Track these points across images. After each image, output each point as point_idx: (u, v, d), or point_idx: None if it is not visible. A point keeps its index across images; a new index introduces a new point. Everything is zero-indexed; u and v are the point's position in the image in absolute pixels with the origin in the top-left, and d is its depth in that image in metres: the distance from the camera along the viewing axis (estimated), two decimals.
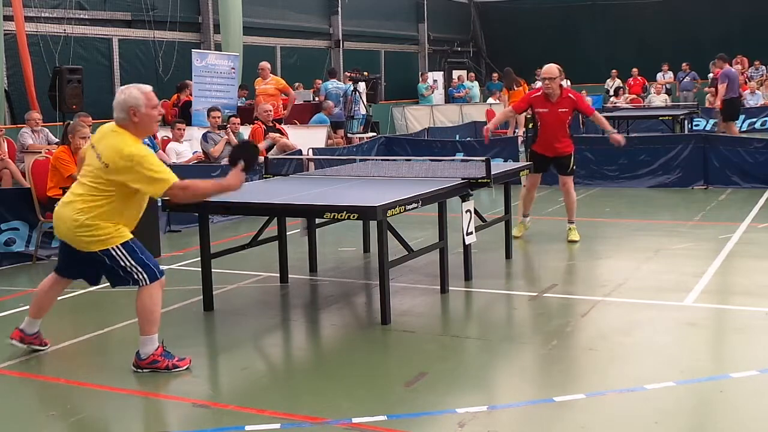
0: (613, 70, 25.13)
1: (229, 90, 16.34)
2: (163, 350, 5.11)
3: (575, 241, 8.58)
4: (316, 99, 18.83)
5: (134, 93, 4.97)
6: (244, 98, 17.86)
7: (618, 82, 24.83)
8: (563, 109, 8.40)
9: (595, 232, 9.46)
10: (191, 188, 4.99)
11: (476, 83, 26.20)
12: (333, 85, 18.00)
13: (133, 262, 5.04)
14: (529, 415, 4.30)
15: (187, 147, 11.96)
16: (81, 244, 4.99)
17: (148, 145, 10.65)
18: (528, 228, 9.02)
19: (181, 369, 5.08)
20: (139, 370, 5.06)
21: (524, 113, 9.90)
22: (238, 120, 12.67)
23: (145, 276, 5.07)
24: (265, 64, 15.41)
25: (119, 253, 5.00)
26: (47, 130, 12.33)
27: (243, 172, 5.12)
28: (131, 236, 5.10)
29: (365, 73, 18.59)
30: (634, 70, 24.67)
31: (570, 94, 8.49)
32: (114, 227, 5.00)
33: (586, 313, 6.07)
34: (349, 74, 19.35)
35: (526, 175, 8.56)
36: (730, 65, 15.35)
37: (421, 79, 25.51)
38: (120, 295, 7.12)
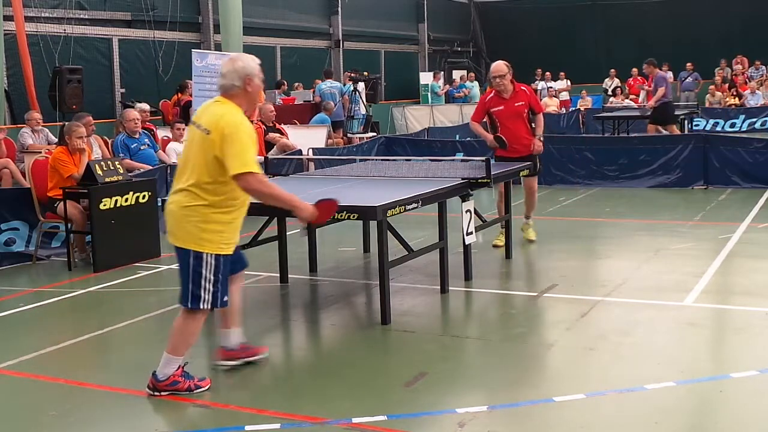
0: (612, 70, 25.15)
1: None
2: (182, 371, 4.70)
3: (532, 241, 8.55)
4: (316, 99, 18.84)
5: (250, 62, 4.59)
6: None
7: (617, 81, 24.84)
8: (519, 103, 8.25)
9: (595, 232, 9.47)
10: (268, 186, 4.58)
11: (476, 83, 26.20)
12: (327, 85, 18.04)
13: (207, 277, 4.55)
14: (529, 415, 4.30)
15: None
16: (180, 237, 4.56)
17: (148, 144, 10.65)
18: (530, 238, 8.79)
19: (202, 389, 4.71)
20: (156, 394, 4.64)
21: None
22: None
23: (206, 298, 4.57)
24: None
25: (202, 261, 4.53)
26: (47, 130, 12.33)
27: (317, 215, 4.86)
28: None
29: (365, 73, 18.59)
30: (634, 70, 24.66)
31: (524, 88, 8.38)
32: (227, 226, 4.57)
33: (586, 313, 6.07)
34: (349, 74, 19.36)
35: (524, 176, 8.52)
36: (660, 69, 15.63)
37: (434, 78, 25.50)
38: (120, 295, 7.13)
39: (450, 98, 25.30)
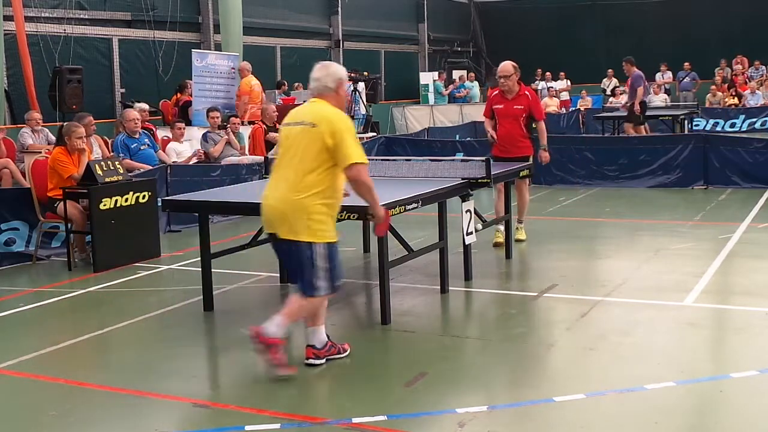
0: (609, 70, 25.15)
1: (229, 90, 16.33)
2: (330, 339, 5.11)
3: (521, 240, 8.59)
4: None
5: (340, 68, 5.01)
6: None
7: (615, 81, 24.83)
8: (518, 106, 8.36)
9: (595, 232, 9.47)
10: (370, 179, 4.85)
11: (476, 83, 26.20)
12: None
13: (325, 265, 4.79)
14: (529, 415, 4.30)
15: (187, 147, 11.96)
16: (297, 231, 4.71)
17: (147, 144, 10.65)
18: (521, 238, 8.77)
19: (347, 352, 5.16)
20: (318, 361, 4.99)
21: None
22: (238, 120, 12.66)
23: (325, 285, 4.82)
24: (244, 64, 15.49)
25: (319, 251, 4.76)
26: (47, 130, 12.33)
27: (385, 219, 5.14)
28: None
29: (365, 73, 18.59)
30: None
31: (527, 92, 8.46)
32: (331, 217, 4.82)
33: (586, 313, 6.07)
34: (349, 74, 19.35)
35: (525, 175, 8.53)
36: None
37: (438, 78, 25.50)
38: (120, 295, 7.13)
39: (451, 98, 25.30)
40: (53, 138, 12.07)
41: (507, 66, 8.44)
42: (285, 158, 4.81)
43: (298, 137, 4.76)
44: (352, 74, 18.73)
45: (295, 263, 4.82)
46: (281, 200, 4.73)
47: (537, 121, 8.44)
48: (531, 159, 8.43)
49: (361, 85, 17.96)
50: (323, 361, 5.04)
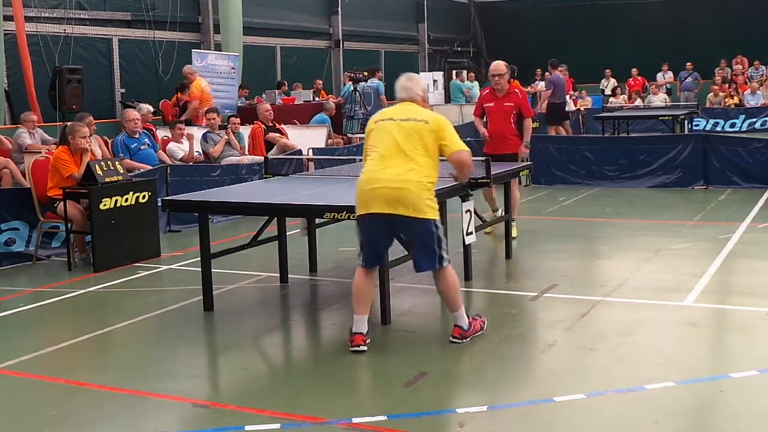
0: (607, 70, 25.14)
1: (229, 90, 16.36)
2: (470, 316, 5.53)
3: (513, 238, 8.49)
4: (316, 99, 18.83)
5: (423, 79, 5.82)
6: (244, 98, 17.87)
7: (613, 81, 24.82)
8: (508, 103, 8.67)
9: (595, 232, 9.47)
10: (471, 162, 5.71)
11: (476, 83, 26.19)
12: (366, 84, 18.12)
13: (443, 238, 5.37)
14: (529, 415, 4.30)
15: (187, 147, 11.95)
16: (421, 209, 5.20)
17: (148, 144, 10.65)
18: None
19: (486, 324, 5.63)
20: (464, 340, 5.39)
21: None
22: (238, 120, 12.66)
23: (447, 255, 5.39)
24: (188, 68, 15.40)
25: (439, 225, 5.31)
26: (41, 130, 12.34)
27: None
28: None
29: (365, 73, 18.58)
30: (634, 70, 24.67)
31: (516, 90, 8.77)
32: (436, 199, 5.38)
33: (586, 313, 6.07)
34: (349, 74, 19.36)
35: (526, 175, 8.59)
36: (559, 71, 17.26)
37: (457, 78, 25.48)
38: (120, 295, 7.13)
39: (456, 91, 25.26)
40: (48, 137, 12.07)
41: (500, 65, 8.74)
42: (394, 148, 5.29)
43: (404, 130, 5.32)
44: (352, 74, 18.75)
45: (418, 240, 5.32)
46: (406, 184, 5.18)
47: (524, 117, 8.71)
48: (517, 157, 8.59)
49: (362, 85, 17.93)
50: (467, 340, 5.43)
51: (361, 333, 5.34)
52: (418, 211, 5.20)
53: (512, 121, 8.66)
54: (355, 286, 5.43)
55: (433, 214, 5.27)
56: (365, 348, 5.30)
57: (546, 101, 16.55)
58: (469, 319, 5.49)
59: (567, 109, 18.29)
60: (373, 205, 5.25)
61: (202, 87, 14.95)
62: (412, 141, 5.29)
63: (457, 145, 5.43)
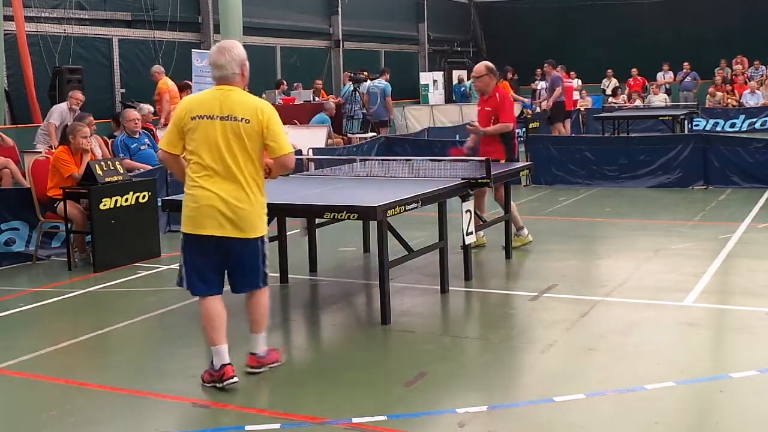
0: (609, 70, 25.12)
1: None
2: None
3: (518, 246, 8.25)
4: (316, 99, 18.83)
5: (241, 48, 4.82)
6: None
7: (614, 81, 24.80)
8: (487, 108, 8.23)
9: (595, 232, 9.47)
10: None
11: (468, 83, 26.15)
12: (373, 84, 18.10)
13: (268, 254, 4.89)
14: (529, 415, 4.30)
15: None
16: (254, 227, 4.73)
17: (148, 144, 10.65)
18: (526, 241, 8.47)
19: (282, 359, 5.16)
20: (260, 370, 4.94)
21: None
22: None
23: (268, 271, 4.95)
24: (156, 68, 15.30)
25: (266, 241, 4.87)
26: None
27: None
28: None
29: (365, 73, 18.58)
30: (634, 70, 24.66)
31: (497, 94, 8.23)
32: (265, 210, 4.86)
33: (586, 313, 6.07)
34: (349, 74, 19.36)
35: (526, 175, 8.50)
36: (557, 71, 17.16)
37: (458, 79, 25.48)
38: (120, 295, 7.13)
39: (457, 94, 25.27)
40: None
41: (478, 67, 8.39)
42: (218, 156, 4.65)
43: (226, 132, 4.64)
44: (352, 74, 18.76)
45: (247, 260, 4.78)
46: (234, 199, 4.65)
47: (500, 122, 8.12)
48: (502, 163, 8.01)
49: (365, 85, 17.95)
50: (265, 369, 4.97)
51: (230, 363, 4.78)
52: (250, 231, 4.71)
53: (493, 125, 8.13)
54: (204, 314, 4.81)
55: (264, 230, 4.80)
56: (237, 379, 4.77)
57: (554, 100, 16.42)
58: (268, 348, 5.03)
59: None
60: (202, 226, 4.67)
61: (169, 84, 14.85)
62: (236, 147, 4.64)
63: (285, 147, 4.72)
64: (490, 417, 4.26)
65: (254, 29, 20.12)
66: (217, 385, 4.72)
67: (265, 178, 4.87)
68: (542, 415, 4.30)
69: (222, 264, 4.81)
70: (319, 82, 20.83)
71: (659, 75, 25.25)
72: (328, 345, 5.80)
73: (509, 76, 21.70)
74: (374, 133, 17.03)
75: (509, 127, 8.15)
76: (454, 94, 25.61)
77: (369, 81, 18.17)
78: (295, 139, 13.26)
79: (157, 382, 4.94)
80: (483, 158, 7.21)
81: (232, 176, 4.65)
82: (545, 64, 17.10)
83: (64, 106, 11.85)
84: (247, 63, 4.83)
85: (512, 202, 8.28)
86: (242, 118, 4.65)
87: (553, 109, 16.53)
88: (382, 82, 18.14)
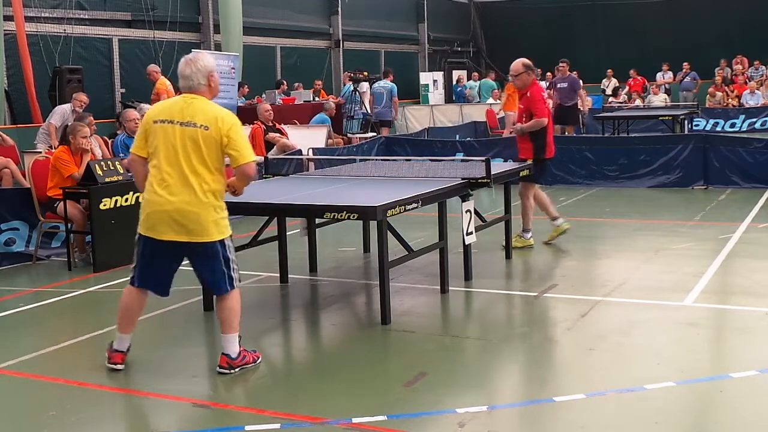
0: (609, 70, 25.13)
1: (229, 90, 16.33)
2: (242, 346, 5.08)
3: (517, 247, 8.20)
4: (316, 99, 18.83)
5: (209, 58, 4.97)
6: (244, 97, 17.86)
7: (614, 81, 24.80)
8: (521, 105, 8.35)
9: (595, 232, 9.47)
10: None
11: (479, 83, 26.17)
12: (379, 84, 18.16)
13: (233, 257, 4.97)
14: (529, 415, 4.30)
15: None
16: (206, 231, 4.81)
17: None
18: (561, 230, 8.49)
19: (259, 361, 5.14)
20: (232, 371, 4.95)
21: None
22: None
23: (238, 276, 5.01)
24: (152, 67, 15.26)
25: (229, 245, 4.94)
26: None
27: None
28: None
29: (365, 74, 18.58)
30: (632, 71, 24.67)
31: (529, 93, 8.26)
32: (226, 212, 4.95)
33: (586, 313, 6.07)
34: (349, 74, 19.36)
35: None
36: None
37: (488, 77, 25.46)
38: (120, 295, 7.12)
39: (459, 97, 25.27)
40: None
41: (515, 65, 8.44)
42: (174, 160, 4.77)
43: (184, 138, 4.75)
44: (352, 74, 18.77)
45: (205, 265, 4.92)
46: (186, 204, 4.77)
47: (533, 118, 8.15)
48: (532, 163, 8.15)
49: (364, 85, 17.96)
50: (236, 371, 4.98)
51: (122, 352, 5.05)
52: (203, 235, 4.80)
53: (524, 123, 8.19)
54: (123, 303, 5.07)
55: (220, 234, 4.85)
56: (122, 367, 5.02)
57: (576, 102, 16.25)
58: (240, 348, 5.03)
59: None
60: (156, 230, 4.85)
61: (167, 84, 14.83)
62: (193, 152, 4.73)
63: (246, 156, 4.78)
64: (490, 417, 4.26)
65: (254, 29, 20.12)
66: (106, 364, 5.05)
67: (234, 195, 5.05)
68: (542, 415, 4.30)
69: (173, 267, 5.03)
70: (319, 82, 20.83)
71: (659, 75, 25.26)
72: (328, 345, 5.80)
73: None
74: (374, 133, 17.03)
75: (543, 122, 8.19)
76: (454, 95, 25.60)
77: (367, 82, 18.19)
78: (295, 139, 13.29)
79: (157, 382, 4.94)
80: (483, 158, 7.21)
81: (186, 181, 4.76)
82: (561, 63, 16.68)
83: (66, 107, 11.87)
84: (216, 74, 4.97)
85: (529, 202, 8.33)
86: (201, 125, 4.75)
87: (571, 110, 16.19)
88: (387, 83, 18.20)
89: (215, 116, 4.76)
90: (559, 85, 16.50)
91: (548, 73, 25.54)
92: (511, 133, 8.50)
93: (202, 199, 4.76)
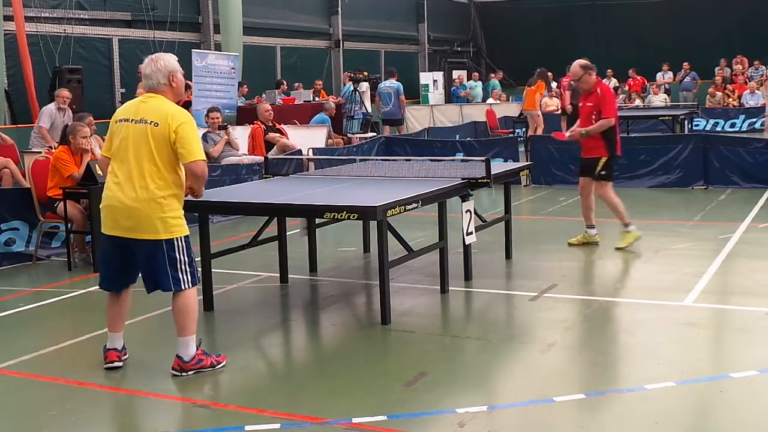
0: (609, 70, 25.13)
1: (229, 90, 16.35)
2: (202, 349, 5.06)
3: (619, 248, 8.13)
4: (316, 99, 18.82)
5: (170, 59, 5.02)
6: (243, 97, 17.87)
7: (614, 81, 24.80)
8: (589, 103, 8.22)
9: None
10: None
11: (480, 83, 26.18)
12: (385, 84, 18.34)
13: (185, 258, 4.91)
14: (529, 415, 4.30)
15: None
16: (149, 229, 4.80)
17: None
18: (590, 240, 8.46)
19: (222, 364, 5.08)
20: (184, 374, 4.94)
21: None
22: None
23: (190, 278, 4.96)
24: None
25: (180, 246, 4.89)
26: (70, 111, 12.24)
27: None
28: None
29: (365, 73, 18.59)
30: (631, 71, 24.67)
31: (598, 89, 8.19)
32: (181, 212, 4.92)
33: (586, 313, 6.07)
34: (349, 74, 19.37)
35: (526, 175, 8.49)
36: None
37: (495, 77, 25.46)
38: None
39: (454, 97, 25.28)
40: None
41: (574, 69, 8.32)
42: (124, 157, 4.83)
43: (137, 135, 4.81)
44: (352, 74, 18.77)
45: (147, 262, 4.88)
46: (132, 201, 4.79)
47: (602, 118, 8.07)
48: (603, 161, 8.12)
49: (364, 85, 17.97)
50: (190, 374, 4.96)
51: (115, 349, 5.13)
52: (147, 232, 4.79)
53: (593, 122, 8.10)
54: (107, 309, 5.16)
55: (167, 233, 4.81)
56: (120, 364, 5.11)
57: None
58: (198, 351, 5.00)
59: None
60: (105, 225, 4.91)
61: None
62: (143, 149, 4.78)
63: (193, 153, 4.77)
64: (490, 417, 4.26)
65: (254, 29, 20.14)
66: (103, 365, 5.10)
67: (194, 196, 5.08)
68: (542, 415, 4.30)
69: (128, 263, 4.98)
70: (319, 82, 20.83)
71: (659, 75, 25.26)
72: (328, 345, 5.80)
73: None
74: (374, 133, 17.03)
75: (611, 122, 8.12)
76: (452, 96, 25.59)
77: (367, 82, 18.21)
78: (295, 139, 13.30)
79: (157, 382, 4.94)
80: (483, 158, 7.21)
81: (133, 178, 4.80)
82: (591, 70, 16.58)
83: (51, 106, 11.93)
84: (179, 74, 5.00)
85: (613, 200, 8.22)
86: (151, 122, 4.80)
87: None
88: (393, 82, 18.34)
89: (167, 113, 4.79)
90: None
91: (549, 73, 25.55)
92: (569, 137, 8.39)
93: (148, 197, 4.77)
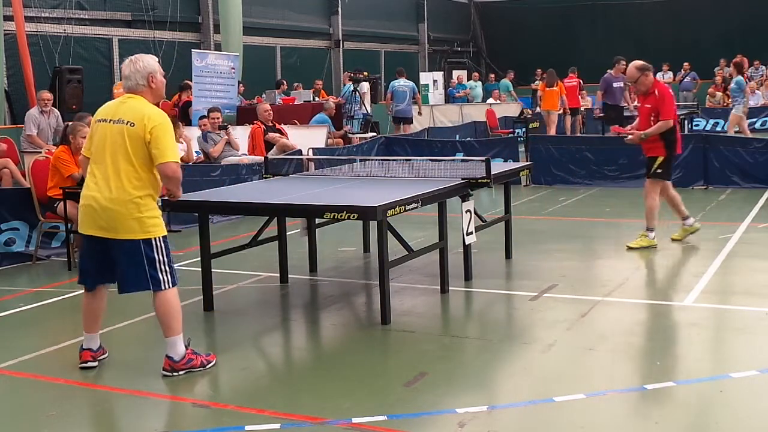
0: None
1: (229, 90, 16.35)
2: (191, 349, 5.06)
3: (639, 248, 8.13)
4: (316, 99, 18.83)
5: (150, 60, 5.09)
6: (241, 96, 17.87)
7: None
8: (647, 105, 8.22)
9: (595, 232, 9.47)
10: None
11: (479, 83, 26.18)
12: (400, 83, 18.42)
13: (163, 258, 4.91)
14: (529, 415, 4.30)
15: (186, 146, 11.95)
16: (126, 229, 4.79)
17: None
18: (692, 230, 8.45)
19: (212, 364, 5.08)
20: (175, 374, 4.93)
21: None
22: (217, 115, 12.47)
23: (170, 278, 4.95)
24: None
25: (158, 245, 4.89)
26: (58, 112, 12.27)
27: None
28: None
29: (365, 74, 18.60)
30: None
31: (656, 91, 8.18)
32: (158, 212, 4.93)
33: (586, 313, 6.07)
34: (349, 74, 19.37)
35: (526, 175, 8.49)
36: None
37: (507, 78, 25.46)
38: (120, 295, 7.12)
39: (451, 98, 25.29)
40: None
41: (630, 71, 8.32)
42: (100, 157, 4.86)
43: (114, 135, 4.83)
44: (352, 74, 18.77)
45: (124, 261, 4.86)
46: (107, 201, 4.80)
47: (660, 119, 8.08)
48: (660, 160, 8.19)
49: (365, 85, 17.97)
50: (181, 373, 4.96)
51: (90, 349, 5.11)
52: (123, 232, 4.79)
53: (652, 123, 8.10)
54: (83, 307, 5.13)
55: (144, 233, 4.81)
56: (95, 364, 5.10)
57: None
58: (187, 350, 5.00)
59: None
60: (85, 225, 4.91)
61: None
62: (120, 149, 4.79)
63: (166, 155, 4.76)
64: (490, 417, 4.26)
65: (254, 29, 20.14)
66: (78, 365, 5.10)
67: (171, 197, 5.06)
68: (542, 415, 4.30)
69: (105, 262, 4.95)
70: (319, 82, 20.85)
71: (659, 75, 25.20)
72: (328, 345, 5.80)
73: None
74: (374, 133, 17.03)
75: (669, 124, 8.11)
76: (449, 97, 25.57)
77: (367, 82, 18.23)
78: (295, 139, 13.30)
79: (157, 382, 4.94)
80: (483, 158, 7.20)
81: (109, 178, 4.82)
82: (621, 61, 16.06)
83: (33, 111, 12.03)
84: (158, 75, 5.06)
85: (655, 202, 8.27)
86: (128, 122, 4.82)
87: (617, 110, 16.03)
88: (408, 81, 18.63)
89: (143, 114, 4.81)
90: (615, 84, 16.26)
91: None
92: (628, 140, 8.39)
93: (124, 197, 4.78)
